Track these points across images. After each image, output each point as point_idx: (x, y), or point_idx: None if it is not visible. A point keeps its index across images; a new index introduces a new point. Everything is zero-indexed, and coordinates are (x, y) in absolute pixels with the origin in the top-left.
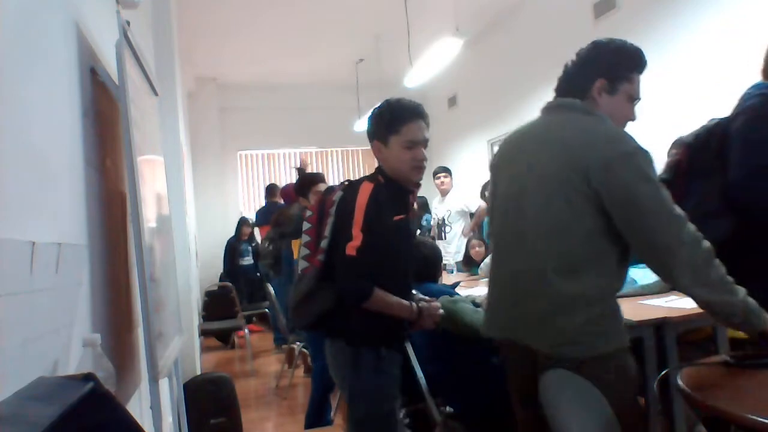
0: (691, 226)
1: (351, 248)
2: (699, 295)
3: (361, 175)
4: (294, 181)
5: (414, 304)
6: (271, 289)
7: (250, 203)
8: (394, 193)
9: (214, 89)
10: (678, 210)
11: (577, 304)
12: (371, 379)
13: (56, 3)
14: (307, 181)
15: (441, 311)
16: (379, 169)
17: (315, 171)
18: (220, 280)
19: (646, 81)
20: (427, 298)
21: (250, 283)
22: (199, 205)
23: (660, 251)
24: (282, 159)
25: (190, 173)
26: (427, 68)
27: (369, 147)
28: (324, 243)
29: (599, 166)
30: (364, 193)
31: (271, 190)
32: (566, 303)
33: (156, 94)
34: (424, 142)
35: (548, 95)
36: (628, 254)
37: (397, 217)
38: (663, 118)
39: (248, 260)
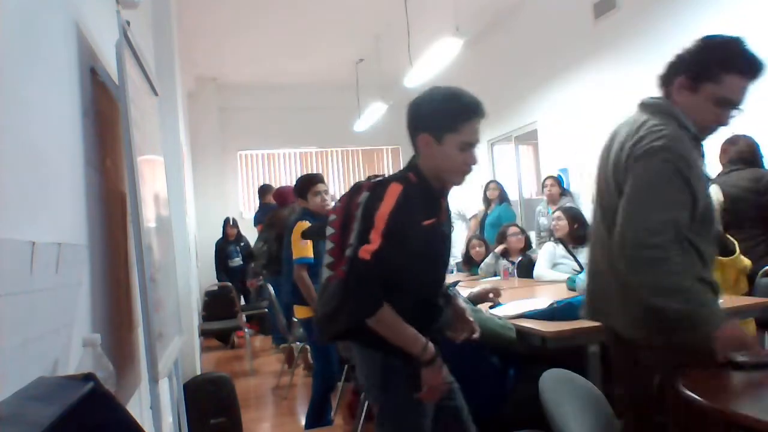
0: (653, 236)
1: (365, 252)
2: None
3: (362, 175)
4: (286, 183)
5: (429, 344)
6: (271, 289)
7: (250, 203)
8: (426, 195)
9: (214, 89)
10: (644, 212)
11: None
12: (403, 393)
13: (56, 3)
14: (306, 181)
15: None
16: (413, 167)
17: (315, 171)
18: (219, 280)
19: (646, 81)
20: (466, 310)
21: (243, 284)
22: (199, 205)
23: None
24: (282, 159)
25: (190, 173)
26: (427, 68)
27: (369, 147)
28: (350, 252)
29: (623, 168)
30: (392, 195)
31: (263, 191)
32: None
33: (156, 94)
34: (477, 145)
35: (548, 95)
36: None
37: (426, 222)
38: None
39: (237, 261)
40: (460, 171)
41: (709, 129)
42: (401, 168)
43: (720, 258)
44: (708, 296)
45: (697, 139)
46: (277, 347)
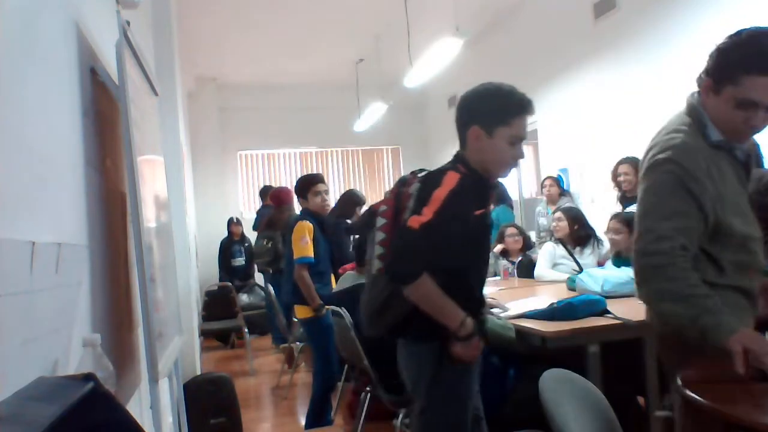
0: (656, 243)
1: (415, 221)
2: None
3: (362, 175)
4: (286, 184)
5: (468, 318)
6: (271, 289)
7: (250, 203)
8: (478, 186)
9: (214, 89)
10: (648, 222)
11: None
12: (452, 384)
13: (56, 3)
14: (307, 181)
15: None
16: (460, 159)
17: (315, 171)
18: (220, 280)
19: (646, 81)
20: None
21: (243, 283)
22: (199, 205)
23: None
24: (282, 159)
25: (190, 173)
26: (427, 68)
27: (369, 147)
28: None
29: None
30: (450, 181)
31: (265, 192)
32: None
33: (156, 94)
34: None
35: (548, 95)
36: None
37: (478, 212)
38: (663, 118)
39: (240, 261)
40: (508, 164)
41: (739, 133)
42: (401, 167)
43: None
44: (715, 304)
45: (721, 147)
46: (277, 347)
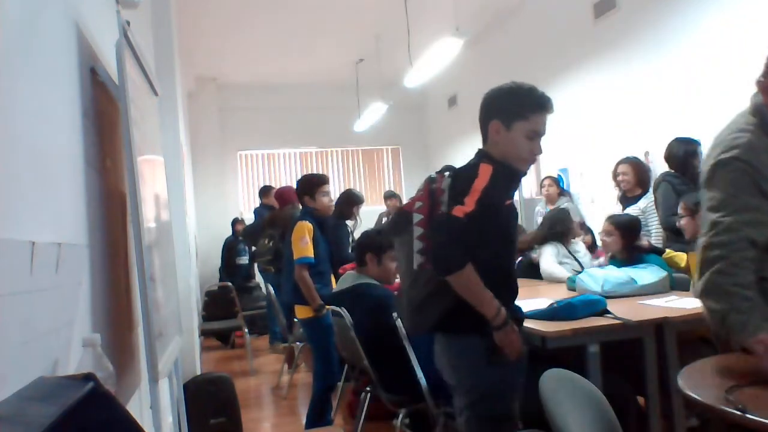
0: (718, 235)
1: (459, 211)
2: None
3: (362, 175)
4: (286, 184)
5: (503, 309)
6: (271, 288)
7: (250, 203)
8: (508, 177)
9: (214, 89)
10: (715, 216)
11: None
12: (497, 373)
13: (56, 3)
14: (315, 182)
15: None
16: (483, 154)
17: (314, 171)
18: (221, 279)
19: (646, 81)
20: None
21: (246, 282)
22: (199, 205)
23: None
24: (282, 159)
25: (190, 173)
26: (427, 68)
27: (369, 147)
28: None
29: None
30: (486, 172)
31: (264, 192)
32: None
33: (156, 94)
34: (542, 137)
35: (548, 95)
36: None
37: (507, 202)
38: (663, 118)
39: (244, 259)
40: (525, 159)
41: None
42: (401, 167)
43: None
44: (749, 304)
45: None
46: (272, 347)
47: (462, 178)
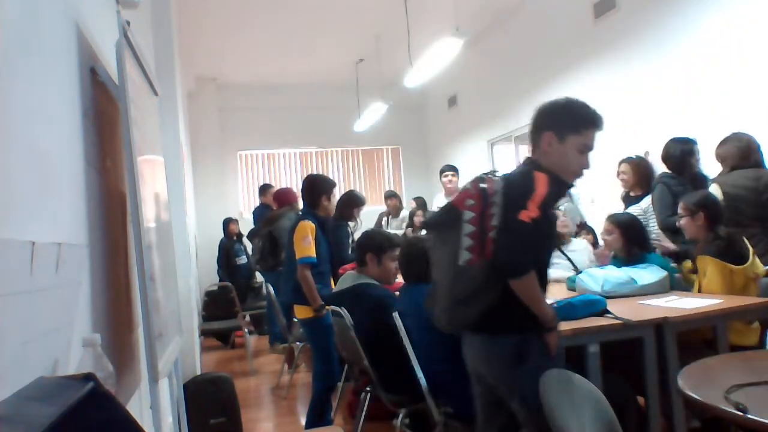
0: None
1: (525, 215)
2: None
3: (362, 175)
4: (286, 184)
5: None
6: (270, 288)
7: (250, 203)
8: (559, 187)
9: (214, 89)
10: None
11: None
12: (540, 364)
13: (56, 3)
14: (330, 185)
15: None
16: (533, 163)
17: (316, 172)
18: (220, 280)
19: (645, 81)
20: None
21: (248, 282)
22: (199, 205)
23: None
24: (282, 159)
25: (190, 173)
26: (427, 68)
27: (369, 147)
28: (494, 234)
29: None
30: (543, 179)
31: (263, 190)
32: None
33: (156, 94)
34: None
35: (548, 95)
36: None
37: (552, 210)
38: (663, 118)
39: (242, 260)
40: (574, 171)
41: None
42: (401, 167)
43: (731, 266)
44: None
45: None
46: (272, 347)
47: (517, 184)
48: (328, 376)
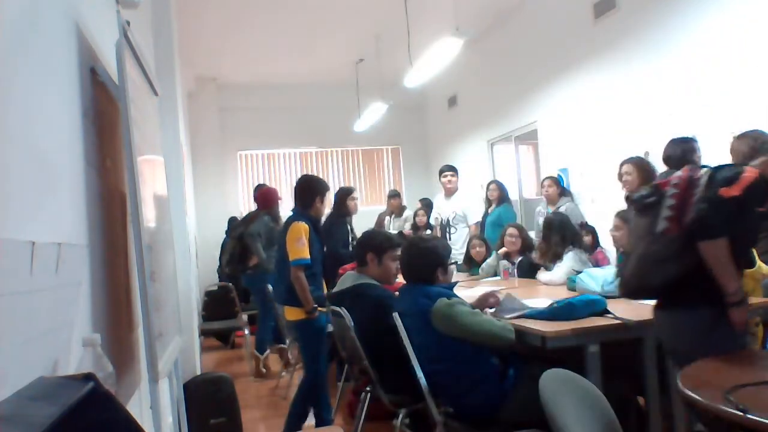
0: None
1: (726, 192)
2: None
3: (362, 175)
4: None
5: (741, 286)
6: (270, 288)
7: (250, 203)
8: (765, 189)
9: (214, 89)
10: None
11: None
12: (729, 339)
13: (56, 3)
14: (325, 187)
15: None
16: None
17: (314, 173)
18: (220, 279)
19: (646, 81)
20: None
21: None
22: (199, 205)
23: None
24: (282, 159)
25: (190, 173)
26: (427, 68)
27: (369, 147)
28: (694, 207)
29: None
30: (753, 172)
31: (257, 190)
32: None
33: (156, 94)
34: None
35: (548, 95)
36: None
37: (761, 209)
38: (663, 118)
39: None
40: None
41: None
42: (401, 167)
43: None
44: None
45: None
46: (271, 347)
47: (726, 171)
48: (317, 377)
